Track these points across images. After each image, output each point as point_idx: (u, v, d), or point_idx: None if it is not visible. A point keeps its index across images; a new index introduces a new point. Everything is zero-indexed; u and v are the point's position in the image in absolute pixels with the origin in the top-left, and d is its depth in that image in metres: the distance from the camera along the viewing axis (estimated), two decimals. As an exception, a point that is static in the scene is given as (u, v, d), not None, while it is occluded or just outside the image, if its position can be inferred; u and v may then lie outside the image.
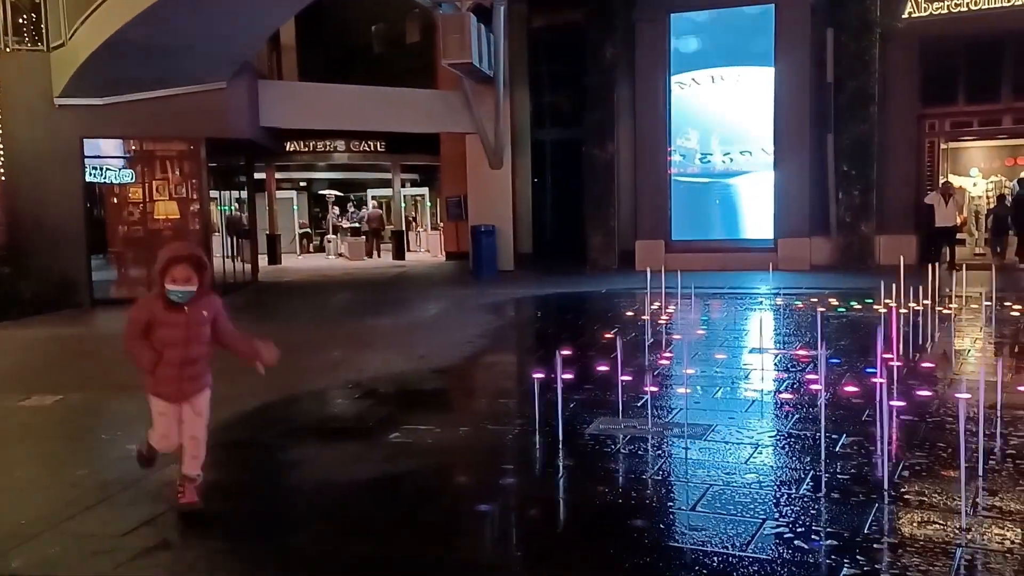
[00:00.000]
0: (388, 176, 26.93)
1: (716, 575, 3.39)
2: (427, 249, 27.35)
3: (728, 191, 16.98)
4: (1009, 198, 16.54)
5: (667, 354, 8.28)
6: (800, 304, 11.43)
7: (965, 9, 14.97)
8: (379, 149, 24.60)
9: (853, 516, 3.95)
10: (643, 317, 10.71)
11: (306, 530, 4.08)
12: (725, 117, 16.79)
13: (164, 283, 3.94)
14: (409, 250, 27.08)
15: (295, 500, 4.64)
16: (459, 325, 11.26)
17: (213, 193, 16.08)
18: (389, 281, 18.48)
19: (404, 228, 27.16)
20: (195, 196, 15.26)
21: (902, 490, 4.30)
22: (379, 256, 26.48)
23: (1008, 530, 3.74)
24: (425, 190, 31.38)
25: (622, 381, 6.88)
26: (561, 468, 5.03)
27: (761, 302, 12.31)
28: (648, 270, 10.50)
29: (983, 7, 14.84)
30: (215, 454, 4.64)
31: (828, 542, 3.66)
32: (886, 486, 4.33)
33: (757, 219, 16.74)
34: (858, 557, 3.48)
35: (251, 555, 3.85)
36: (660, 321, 10.19)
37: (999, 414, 5.41)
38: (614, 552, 3.69)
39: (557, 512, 4.40)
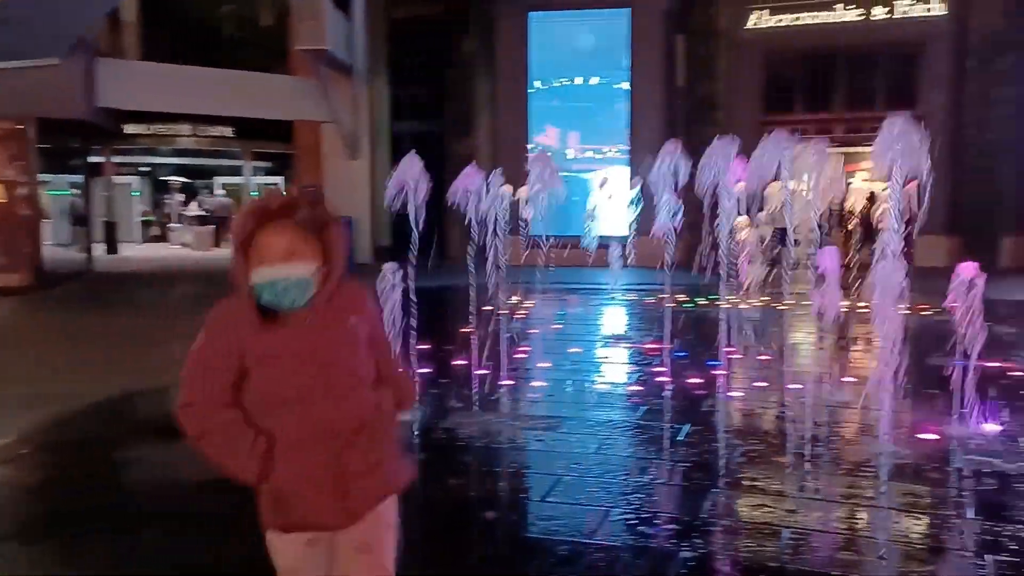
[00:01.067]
0: (239, 163, 25.87)
1: (564, 563, 3.44)
2: (281, 241, 26.46)
3: (585, 189, 17.35)
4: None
5: (523, 348, 8.36)
6: (651, 300, 11.82)
7: (803, 23, 15.93)
8: (229, 135, 23.58)
9: (693, 501, 4.11)
10: (501, 312, 10.78)
11: (147, 528, 3.85)
12: (583, 116, 17.15)
13: (249, 269, 1.94)
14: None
15: (135, 498, 4.37)
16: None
17: (45, 176, 14.93)
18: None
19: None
20: (23, 179, 14.11)
21: (737, 476, 4.52)
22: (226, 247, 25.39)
23: (830, 512, 3.99)
24: (279, 178, 30.39)
25: (477, 375, 6.90)
26: (417, 462, 4.98)
27: (614, 298, 12.64)
28: (499, 265, 10.54)
29: (820, 22, 15.84)
30: (49, 454, 4.29)
31: (668, 527, 3.79)
32: (723, 472, 4.54)
33: (613, 217, 17.21)
34: (695, 540, 3.61)
35: (88, 552, 3.60)
36: (517, 316, 10.28)
37: (825, 405, 5.79)
38: (466, 543, 3.68)
39: (410, 505, 4.35)
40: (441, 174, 19.32)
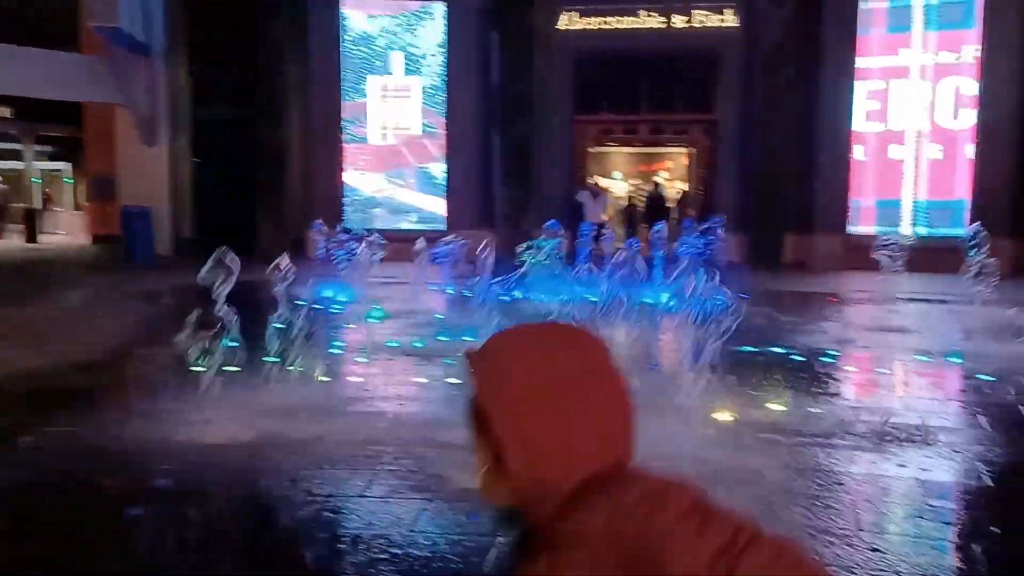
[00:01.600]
0: (18, 147, 23.50)
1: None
2: (67, 231, 24.30)
3: (402, 184, 17.17)
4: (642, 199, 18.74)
5: (341, 341, 8.13)
6: (470, 294, 11.83)
7: (610, 28, 16.56)
8: (6, 116, 21.34)
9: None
10: (314, 306, 10.44)
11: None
12: (399, 108, 16.95)
13: None
14: (44, 232, 23.84)
15: None
16: (108, 316, 10.09)
17: None
18: (19, 266, 16.11)
19: (38, 207, 23.87)
20: None
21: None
22: (1, 237, 22.94)
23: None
24: (65, 165, 27.88)
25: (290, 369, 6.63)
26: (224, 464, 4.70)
27: (430, 291, 12.54)
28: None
29: (625, 27, 16.52)
30: None
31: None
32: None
33: (432, 212, 17.15)
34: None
35: None
36: (332, 309, 10.00)
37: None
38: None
39: (215, 509, 4.11)
40: (251, 163, 18.60)
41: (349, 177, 17.07)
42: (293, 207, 17.07)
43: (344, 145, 16.97)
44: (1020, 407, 5.77)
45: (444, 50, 16.64)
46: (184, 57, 17.57)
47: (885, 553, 3.52)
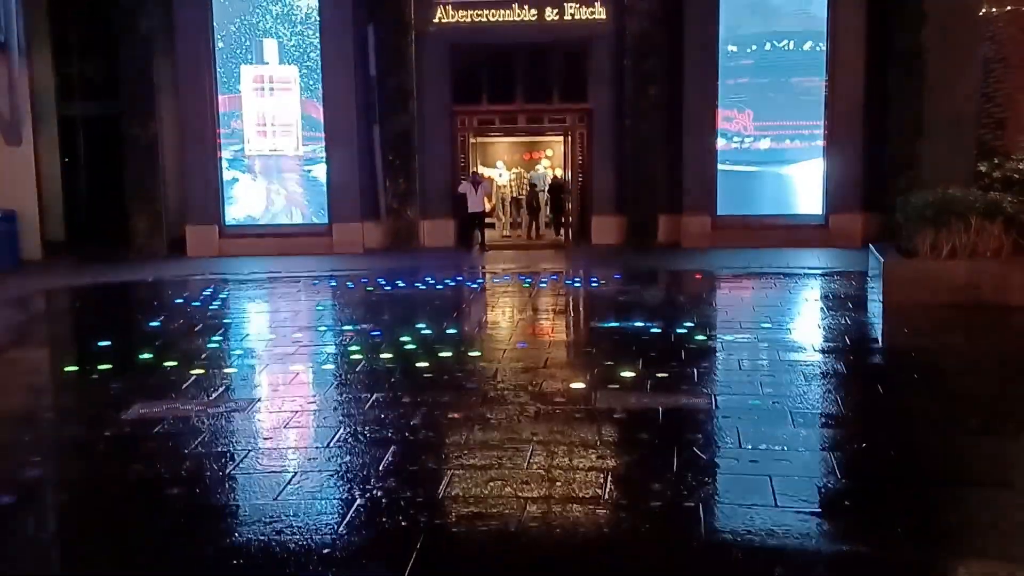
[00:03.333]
0: None
1: (245, 523, 3.56)
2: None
3: (280, 179, 17.03)
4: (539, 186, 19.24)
5: (217, 337, 8.16)
6: (352, 285, 11.97)
7: (485, 20, 16.86)
8: None
9: (368, 455, 4.40)
10: (194, 303, 10.39)
11: None
12: (274, 104, 16.78)
13: None
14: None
15: None
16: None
17: None
18: None
19: None
20: None
21: (420, 433, 4.90)
22: None
23: (492, 459, 4.49)
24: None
25: (167, 365, 6.69)
26: (96, 453, 4.81)
27: (316, 284, 12.61)
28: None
29: (500, 20, 16.86)
30: None
31: (338, 483, 4.05)
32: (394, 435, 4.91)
33: (313, 205, 17.08)
34: (368, 489, 3.90)
35: None
36: (211, 307, 9.96)
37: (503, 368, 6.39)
38: (148, 515, 3.75)
39: (93, 492, 4.24)
40: (120, 160, 18.09)
41: (228, 173, 16.80)
42: (169, 204, 16.69)
43: (220, 140, 16.69)
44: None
45: (318, 42, 16.56)
46: (47, 53, 16.87)
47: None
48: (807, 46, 16.24)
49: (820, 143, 16.37)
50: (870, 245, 10.80)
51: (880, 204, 15.08)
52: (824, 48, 16.14)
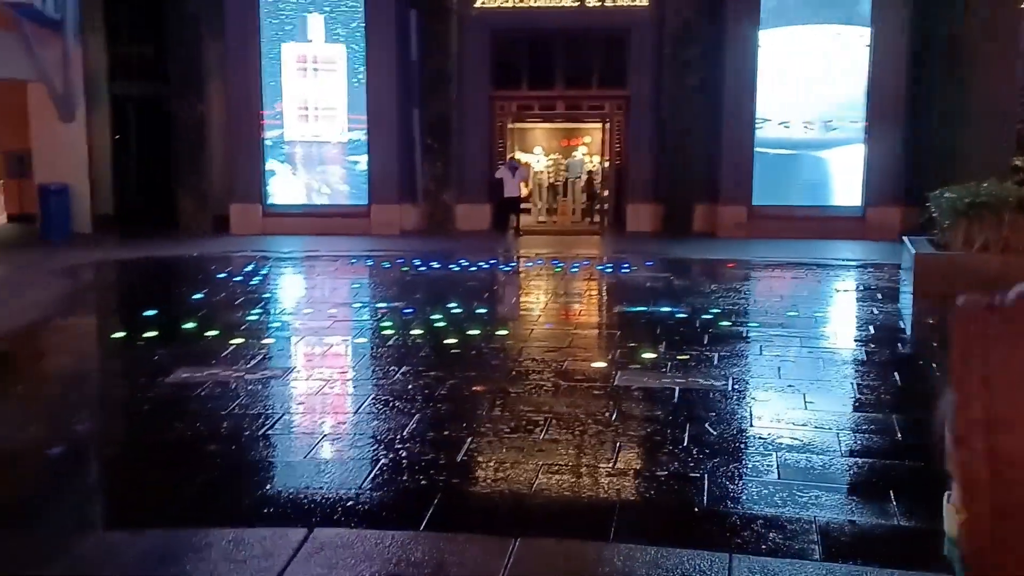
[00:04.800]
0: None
1: (277, 478, 3.84)
2: (-18, 211, 23.77)
3: (321, 159, 17.37)
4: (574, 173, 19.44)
5: (257, 310, 8.49)
6: (387, 265, 12.27)
7: (526, 6, 17.00)
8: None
9: (393, 421, 4.65)
10: (236, 278, 10.76)
11: None
12: (317, 85, 17.11)
13: None
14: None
15: None
16: (23, 291, 10.23)
17: None
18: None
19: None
20: None
21: (444, 403, 5.15)
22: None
23: (510, 428, 4.72)
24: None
25: (208, 335, 7.01)
26: (141, 412, 5.13)
27: (353, 263, 12.94)
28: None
29: (541, 5, 16.98)
30: None
31: (367, 449, 4.31)
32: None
33: (353, 186, 17.41)
34: (391, 452, 4.15)
35: None
36: (252, 282, 10.31)
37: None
38: (188, 469, 4.04)
39: (137, 446, 4.57)
40: (168, 139, 18.55)
41: (271, 152, 17.20)
42: (214, 183, 17.14)
43: (264, 120, 17.07)
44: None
45: (362, 25, 16.83)
46: (100, 32, 17.38)
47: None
48: (849, 34, 16.14)
49: (860, 133, 16.28)
50: (904, 237, 10.79)
51: (919, 197, 14.90)
52: (867, 36, 16.02)
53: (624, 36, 17.04)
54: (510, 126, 18.68)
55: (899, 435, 4.67)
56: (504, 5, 16.98)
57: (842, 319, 8.60)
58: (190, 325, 7.57)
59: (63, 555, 3.18)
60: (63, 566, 3.11)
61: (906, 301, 9.02)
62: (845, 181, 16.52)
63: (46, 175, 16.46)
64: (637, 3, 16.77)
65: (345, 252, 13.75)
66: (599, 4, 16.81)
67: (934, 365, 6.45)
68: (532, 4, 16.94)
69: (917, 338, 7.64)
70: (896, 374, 6.06)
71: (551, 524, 3.56)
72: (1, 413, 5.19)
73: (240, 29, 16.65)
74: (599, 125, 18.76)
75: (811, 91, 16.30)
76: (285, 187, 17.32)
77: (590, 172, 19.70)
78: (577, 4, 16.82)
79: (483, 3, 16.96)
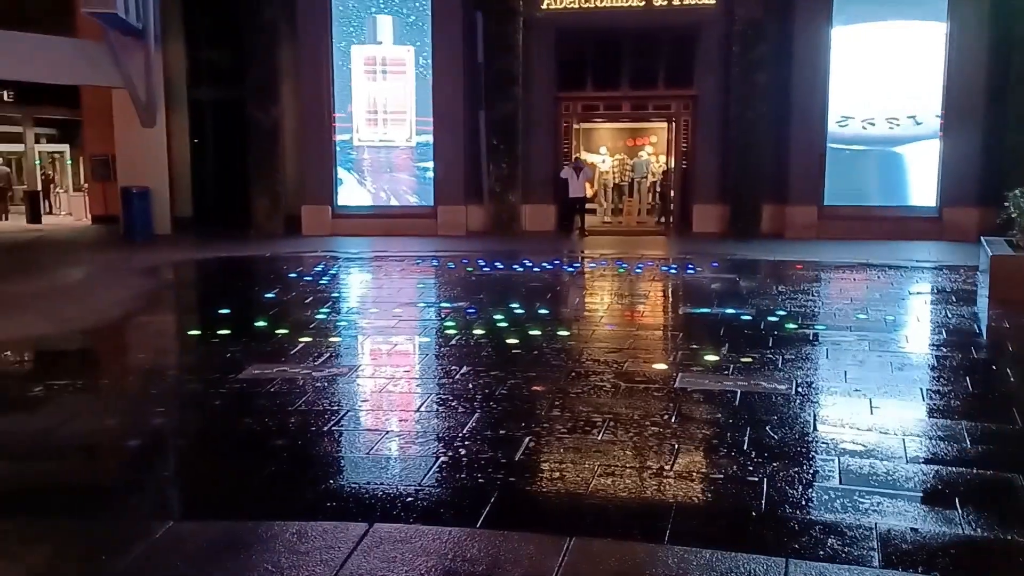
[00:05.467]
0: (18, 130, 23.96)
1: (340, 473, 3.95)
2: (69, 212, 24.88)
3: (389, 161, 17.65)
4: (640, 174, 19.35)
5: (325, 309, 8.71)
6: (453, 265, 12.43)
7: (592, 6, 16.98)
8: (6, 99, 21.80)
9: (454, 420, 4.73)
10: (306, 278, 11.05)
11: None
12: (386, 88, 17.40)
13: None
14: (48, 213, 24.44)
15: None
16: (110, 289, 10.70)
17: None
18: (23, 245, 16.71)
19: (39, 188, 24.40)
20: None
21: (504, 402, 5.21)
22: (6, 219, 23.56)
23: (568, 428, 4.75)
24: (65, 147, 28.37)
25: (279, 333, 7.22)
26: (214, 406, 5.34)
27: (418, 263, 13.12)
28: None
29: (607, 5, 16.94)
30: None
31: (425, 443, 4.40)
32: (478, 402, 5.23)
33: (420, 187, 17.65)
34: (451, 449, 4.22)
35: None
36: (321, 282, 10.56)
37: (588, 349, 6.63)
38: (255, 462, 4.24)
39: (209, 440, 4.77)
40: (243, 143, 19.14)
41: (341, 155, 17.56)
42: (287, 185, 17.60)
43: (335, 124, 17.44)
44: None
45: (429, 29, 17.05)
46: (179, 40, 18.02)
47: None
48: (926, 28, 15.67)
49: (936, 131, 15.80)
50: (981, 239, 10.45)
51: (997, 197, 14.41)
52: (945, 31, 15.53)
53: (691, 35, 16.89)
54: (575, 126, 18.68)
55: (967, 443, 4.55)
56: (570, 6, 16.99)
57: (913, 322, 8.38)
58: (261, 323, 7.82)
59: (136, 543, 3.35)
60: (136, 554, 3.27)
61: (981, 304, 8.75)
62: (920, 180, 16.06)
63: (129, 178, 17.16)
64: (704, 2, 16.60)
65: (411, 252, 13.98)
66: (666, 3, 16.69)
67: (1008, 371, 6.24)
68: (598, 4, 16.91)
69: (991, 342, 7.40)
70: (967, 380, 5.89)
71: (606, 525, 3.59)
72: (81, 405, 5.45)
73: (312, 32, 17.06)
74: (665, 125, 18.63)
75: (885, 88, 15.89)
76: (354, 189, 17.67)
77: (659, 172, 19.54)
78: (643, 4, 16.73)
79: (548, 4, 17.01)
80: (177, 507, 3.96)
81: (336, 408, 5.19)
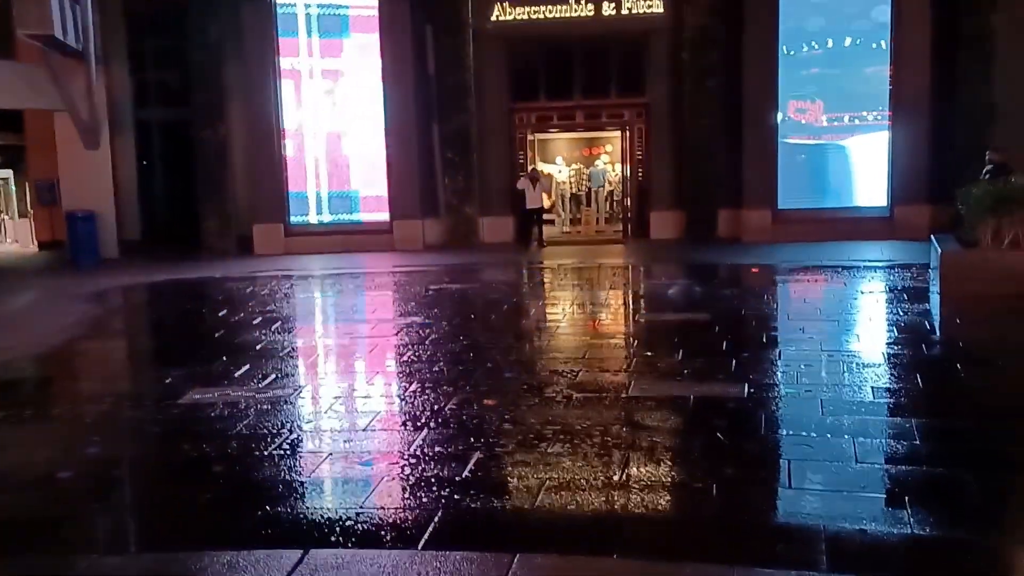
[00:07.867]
0: (-40, 157, 23.34)
1: (279, 498, 3.79)
2: (15, 239, 24.24)
3: (344, 176, 17.45)
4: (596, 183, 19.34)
5: (275, 329, 8.50)
6: (409, 281, 12.25)
7: (542, 17, 16.97)
8: (-54, 126, 21.21)
9: (400, 437, 4.58)
10: (256, 299, 10.81)
11: None
12: (334, 102, 17.23)
13: None
14: (-9, 241, 23.78)
15: None
16: (52, 315, 10.35)
17: None
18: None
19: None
20: None
21: (453, 418, 5.08)
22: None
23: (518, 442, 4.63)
24: (9, 172, 27.67)
25: (223, 356, 7.01)
26: (152, 433, 5.14)
27: (375, 280, 12.95)
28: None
29: (556, 16, 16.94)
30: None
31: (375, 466, 4.25)
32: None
33: (374, 202, 17.46)
34: (394, 468, 4.08)
35: None
36: (271, 303, 10.34)
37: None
38: (192, 490, 4.07)
39: (144, 468, 4.57)
40: (193, 163, 18.78)
41: (292, 172, 17.31)
42: (238, 204, 17.28)
43: (285, 140, 17.20)
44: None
45: (376, 42, 16.90)
46: (124, 61, 17.66)
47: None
48: (871, 31, 15.89)
49: (885, 132, 16.02)
50: (931, 236, 10.56)
51: (947, 195, 14.61)
52: (888, 33, 15.77)
53: (641, 43, 16.96)
54: (530, 137, 18.63)
55: (917, 440, 4.51)
56: (520, 17, 16.97)
57: (865, 321, 8.40)
58: (206, 346, 7.60)
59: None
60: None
61: (932, 300, 8.81)
62: (871, 180, 16.25)
63: (74, 202, 16.73)
64: (653, 10, 16.68)
65: (367, 269, 13.78)
66: (615, 13, 16.74)
67: (958, 367, 6.25)
68: (547, 16, 16.91)
69: (943, 338, 7.43)
70: (918, 377, 5.88)
71: (550, 538, 3.47)
72: (10, 436, 5.22)
73: (258, 50, 16.82)
74: (619, 133, 18.66)
75: (833, 88, 16.08)
76: (307, 205, 17.41)
77: (616, 180, 19.56)
78: (592, 14, 16.76)
79: (498, 16, 16.97)
80: (106, 540, 3.77)
81: (277, 431, 5.01)
